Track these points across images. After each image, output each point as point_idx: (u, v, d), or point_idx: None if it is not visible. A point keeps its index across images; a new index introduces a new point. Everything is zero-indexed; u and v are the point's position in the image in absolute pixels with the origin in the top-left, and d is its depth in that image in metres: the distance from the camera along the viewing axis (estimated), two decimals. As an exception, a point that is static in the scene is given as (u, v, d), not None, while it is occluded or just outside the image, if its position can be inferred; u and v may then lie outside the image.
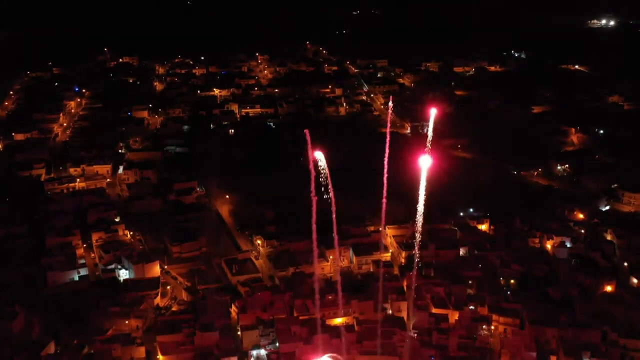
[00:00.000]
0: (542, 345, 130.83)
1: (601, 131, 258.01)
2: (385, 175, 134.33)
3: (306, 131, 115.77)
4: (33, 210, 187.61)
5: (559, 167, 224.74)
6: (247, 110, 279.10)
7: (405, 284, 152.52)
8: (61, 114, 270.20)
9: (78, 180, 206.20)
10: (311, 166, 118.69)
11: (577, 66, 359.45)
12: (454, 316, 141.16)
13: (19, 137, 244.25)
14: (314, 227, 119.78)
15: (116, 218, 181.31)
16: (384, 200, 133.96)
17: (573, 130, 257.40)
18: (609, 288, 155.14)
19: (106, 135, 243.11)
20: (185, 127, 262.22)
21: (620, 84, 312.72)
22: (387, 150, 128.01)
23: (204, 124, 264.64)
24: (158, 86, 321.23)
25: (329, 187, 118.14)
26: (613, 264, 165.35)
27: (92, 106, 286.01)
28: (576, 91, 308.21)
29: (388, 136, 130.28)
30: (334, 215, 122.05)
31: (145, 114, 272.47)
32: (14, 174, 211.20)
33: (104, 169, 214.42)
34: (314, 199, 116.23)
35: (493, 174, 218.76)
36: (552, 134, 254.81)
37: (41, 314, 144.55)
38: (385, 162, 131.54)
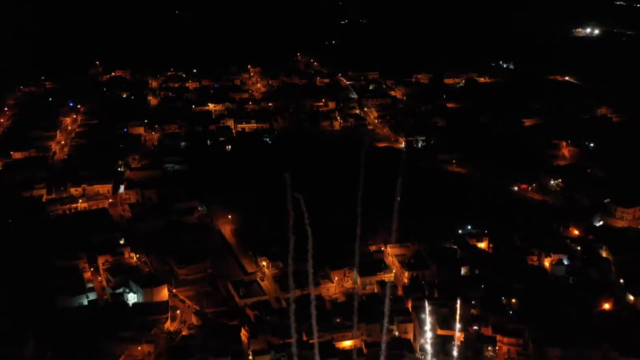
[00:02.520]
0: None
1: (591, 144, 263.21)
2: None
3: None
4: (36, 232, 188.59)
5: (552, 182, 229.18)
6: (242, 125, 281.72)
7: (410, 305, 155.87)
8: (58, 131, 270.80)
9: (80, 200, 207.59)
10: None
11: (566, 77, 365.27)
12: (460, 338, 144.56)
13: (17, 155, 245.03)
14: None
15: (121, 240, 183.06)
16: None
17: (564, 143, 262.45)
18: (606, 305, 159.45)
19: (104, 153, 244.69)
20: (183, 143, 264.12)
21: (608, 95, 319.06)
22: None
23: (201, 140, 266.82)
24: (152, 101, 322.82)
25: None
26: (609, 281, 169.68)
27: (88, 122, 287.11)
28: (565, 103, 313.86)
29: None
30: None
31: (141, 130, 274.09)
32: (14, 195, 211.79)
33: (104, 188, 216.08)
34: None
35: (488, 189, 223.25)
36: (544, 148, 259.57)
37: (52, 339, 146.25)
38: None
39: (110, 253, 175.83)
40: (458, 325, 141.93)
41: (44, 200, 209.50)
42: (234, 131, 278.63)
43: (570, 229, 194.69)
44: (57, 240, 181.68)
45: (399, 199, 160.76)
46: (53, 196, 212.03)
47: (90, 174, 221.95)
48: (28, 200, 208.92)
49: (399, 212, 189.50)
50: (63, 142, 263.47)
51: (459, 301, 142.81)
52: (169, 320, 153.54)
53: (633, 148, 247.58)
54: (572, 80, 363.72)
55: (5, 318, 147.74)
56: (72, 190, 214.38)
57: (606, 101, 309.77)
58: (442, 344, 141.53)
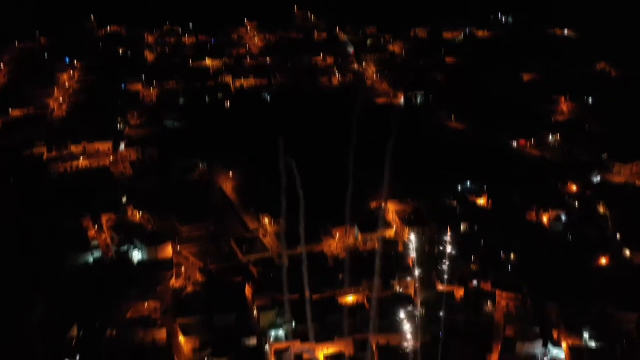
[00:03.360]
0: (544, 320, 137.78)
1: (590, 99, 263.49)
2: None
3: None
4: (38, 191, 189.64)
5: (550, 138, 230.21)
6: (241, 81, 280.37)
7: (410, 261, 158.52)
8: (55, 88, 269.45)
9: (81, 159, 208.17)
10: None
11: (565, 31, 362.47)
12: (459, 292, 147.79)
13: (16, 113, 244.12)
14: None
15: (123, 198, 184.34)
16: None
17: (563, 98, 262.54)
18: (603, 261, 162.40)
19: (103, 110, 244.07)
20: (181, 100, 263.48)
21: (607, 50, 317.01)
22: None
23: (200, 97, 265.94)
24: (149, 56, 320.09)
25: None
26: (606, 237, 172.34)
27: (86, 79, 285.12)
28: (564, 57, 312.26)
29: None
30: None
31: (139, 86, 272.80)
32: (15, 154, 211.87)
33: (105, 146, 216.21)
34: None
35: (487, 145, 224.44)
36: (543, 103, 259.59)
37: (59, 298, 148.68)
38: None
39: (113, 211, 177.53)
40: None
41: (44, 159, 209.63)
42: (232, 87, 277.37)
43: (569, 185, 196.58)
44: (60, 199, 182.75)
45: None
46: (54, 155, 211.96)
47: (90, 132, 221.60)
48: (29, 159, 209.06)
49: (397, 169, 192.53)
50: (61, 100, 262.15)
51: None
52: (174, 277, 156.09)
53: (632, 103, 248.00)
54: (571, 35, 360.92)
55: (12, 278, 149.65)
56: (73, 148, 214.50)
57: (605, 56, 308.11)
58: (443, 300, 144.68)
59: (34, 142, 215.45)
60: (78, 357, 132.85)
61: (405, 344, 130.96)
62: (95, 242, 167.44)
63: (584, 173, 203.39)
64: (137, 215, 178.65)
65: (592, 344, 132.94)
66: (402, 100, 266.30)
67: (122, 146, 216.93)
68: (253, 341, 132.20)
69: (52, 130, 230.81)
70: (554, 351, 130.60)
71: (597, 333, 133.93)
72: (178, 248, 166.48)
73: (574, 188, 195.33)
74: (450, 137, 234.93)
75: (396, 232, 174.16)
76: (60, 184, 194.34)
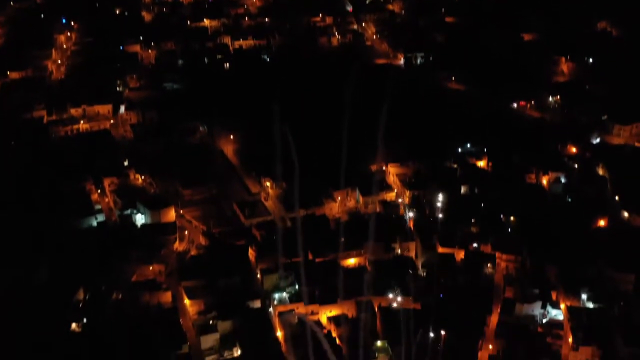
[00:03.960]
0: (543, 282, 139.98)
1: (591, 60, 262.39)
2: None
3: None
4: (40, 155, 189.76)
5: (550, 99, 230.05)
6: (239, 42, 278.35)
7: (412, 224, 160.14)
8: (53, 50, 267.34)
9: (81, 122, 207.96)
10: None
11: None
12: (460, 254, 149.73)
13: (14, 75, 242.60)
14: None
15: (125, 162, 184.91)
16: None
17: (563, 59, 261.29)
18: (602, 222, 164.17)
19: (102, 72, 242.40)
20: (180, 61, 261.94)
21: (607, 8, 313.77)
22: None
23: (198, 58, 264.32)
24: (146, 16, 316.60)
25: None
26: (605, 198, 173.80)
27: (83, 41, 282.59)
28: (565, 17, 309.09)
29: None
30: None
31: (137, 48, 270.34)
32: (15, 117, 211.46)
33: (104, 109, 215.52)
34: None
35: (487, 106, 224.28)
36: (543, 64, 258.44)
37: (65, 262, 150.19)
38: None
39: (115, 175, 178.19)
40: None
41: (44, 122, 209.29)
42: (231, 48, 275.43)
43: (568, 146, 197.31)
44: (62, 163, 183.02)
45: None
46: (54, 118, 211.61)
47: (89, 95, 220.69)
48: (29, 122, 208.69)
49: (398, 131, 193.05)
50: (59, 62, 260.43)
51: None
52: (177, 241, 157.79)
53: (632, 64, 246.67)
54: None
55: (16, 241, 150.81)
56: (72, 111, 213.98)
57: (606, 15, 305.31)
58: (443, 261, 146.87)
59: (34, 105, 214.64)
60: (84, 320, 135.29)
61: (406, 306, 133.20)
62: (98, 206, 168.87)
63: (583, 134, 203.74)
64: (139, 179, 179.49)
65: (590, 305, 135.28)
66: (402, 61, 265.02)
67: (122, 109, 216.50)
68: (257, 304, 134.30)
69: (51, 93, 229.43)
70: (553, 312, 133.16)
71: (595, 294, 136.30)
72: (181, 212, 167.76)
73: (574, 150, 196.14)
74: (450, 98, 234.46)
75: (397, 195, 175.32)
76: (61, 148, 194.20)
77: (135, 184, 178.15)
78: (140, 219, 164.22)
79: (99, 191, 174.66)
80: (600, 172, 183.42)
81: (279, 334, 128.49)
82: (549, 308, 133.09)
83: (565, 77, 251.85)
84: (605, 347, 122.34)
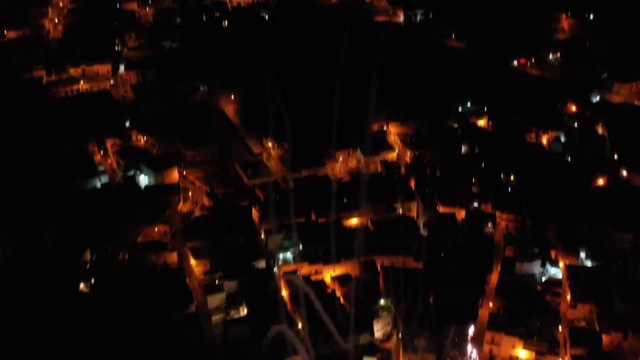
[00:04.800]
0: (542, 240, 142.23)
1: (591, 16, 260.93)
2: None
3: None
4: (41, 116, 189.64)
5: (551, 57, 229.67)
6: (238, 0, 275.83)
7: (413, 183, 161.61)
8: (49, 8, 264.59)
9: (81, 82, 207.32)
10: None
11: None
12: (460, 214, 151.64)
13: (11, 34, 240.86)
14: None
15: (126, 122, 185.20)
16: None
17: (564, 15, 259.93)
18: (601, 181, 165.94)
19: (99, 31, 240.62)
20: (178, 19, 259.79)
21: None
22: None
23: (196, 16, 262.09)
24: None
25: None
26: (604, 157, 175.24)
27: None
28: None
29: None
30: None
31: (134, 5, 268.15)
32: (14, 77, 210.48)
33: (104, 68, 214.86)
34: None
35: (487, 64, 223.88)
36: (543, 20, 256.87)
37: (70, 223, 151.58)
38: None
39: (117, 136, 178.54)
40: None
41: (44, 82, 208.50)
42: (229, 5, 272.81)
43: (568, 105, 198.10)
44: (63, 124, 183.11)
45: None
46: (53, 78, 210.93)
47: (87, 54, 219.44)
48: (28, 82, 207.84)
49: (398, 90, 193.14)
50: (56, 20, 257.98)
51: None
52: (181, 202, 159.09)
53: (633, 21, 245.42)
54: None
55: (22, 204, 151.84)
56: (72, 71, 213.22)
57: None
58: (444, 221, 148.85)
59: (32, 65, 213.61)
60: (92, 280, 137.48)
61: (408, 265, 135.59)
62: (101, 167, 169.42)
63: (583, 93, 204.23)
64: (141, 140, 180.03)
65: (589, 263, 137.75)
66: (401, 18, 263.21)
67: (122, 68, 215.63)
68: (262, 264, 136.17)
69: (49, 52, 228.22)
70: (552, 270, 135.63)
71: (593, 253, 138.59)
72: (184, 172, 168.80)
73: (573, 108, 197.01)
74: (450, 56, 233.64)
75: (398, 155, 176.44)
76: (62, 108, 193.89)
77: (138, 145, 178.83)
78: (143, 180, 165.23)
79: (101, 152, 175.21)
80: (600, 130, 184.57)
81: (284, 293, 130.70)
82: (548, 266, 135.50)
83: (566, 34, 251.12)
84: (603, 304, 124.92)
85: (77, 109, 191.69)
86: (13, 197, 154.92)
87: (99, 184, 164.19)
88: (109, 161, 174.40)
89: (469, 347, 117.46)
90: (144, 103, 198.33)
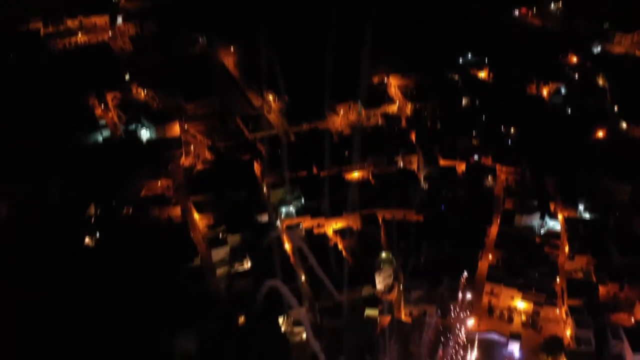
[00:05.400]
0: (542, 193, 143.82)
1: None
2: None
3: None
4: (40, 69, 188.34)
5: (552, 6, 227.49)
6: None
7: (414, 136, 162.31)
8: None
9: (79, 34, 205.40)
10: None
11: None
12: (461, 167, 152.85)
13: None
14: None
15: (126, 75, 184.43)
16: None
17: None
18: (600, 133, 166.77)
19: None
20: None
21: None
22: None
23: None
24: None
25: None
26: (604, 109, 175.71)
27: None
28: None
29: None
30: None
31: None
32: (11, 29, 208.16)
33: (102, 20, 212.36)
34: None
35: (487, 13, 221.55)
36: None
37: (74, 177, 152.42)
38: None
39: (117, 89, 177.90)
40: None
41: (41, 34, 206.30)
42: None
43: (569, 56, 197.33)
44: (62, 77, 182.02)
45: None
46: (50, 30, 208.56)
47: (84, 5, 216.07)
48: (25, 34, 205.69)
49: (398, 41, 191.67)
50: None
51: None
52: (183, 156, 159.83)
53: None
54: None
55: (24, 159, 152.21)
56: (69, 23, 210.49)
57: None
58: (445, 174, 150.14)
59: (29, 17, 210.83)
60: (97, 235, 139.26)
61: (409, 218, 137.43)
62: (102, 121, 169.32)
63: (584, 43, 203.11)
64: (142, 93, 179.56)
65: (587, 216, 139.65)
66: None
67: (119, 20, 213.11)
68: (265, 217, 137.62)
69: (45, 4, 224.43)
70: (551, 223, 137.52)
71: (591, 205, 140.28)
72: (185, 126, 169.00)
73: (574, 59, 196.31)
74: (450, 6, 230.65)
75: (399, 108, 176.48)
76: (60, 61, 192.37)
77: (138, 98, 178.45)
78: (145, 134, 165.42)
79: (102, 106, 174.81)
80: (600, 82, 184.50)
81: (287, 246, 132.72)
82: (547, 219, 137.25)
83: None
84: (600, 256, 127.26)
85: (75, 62, 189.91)
86: (15, 152, 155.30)
87: (100, 138, 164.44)
88: (110, 115, 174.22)
89: (468, 298, 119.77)
90: (143, 55, 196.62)
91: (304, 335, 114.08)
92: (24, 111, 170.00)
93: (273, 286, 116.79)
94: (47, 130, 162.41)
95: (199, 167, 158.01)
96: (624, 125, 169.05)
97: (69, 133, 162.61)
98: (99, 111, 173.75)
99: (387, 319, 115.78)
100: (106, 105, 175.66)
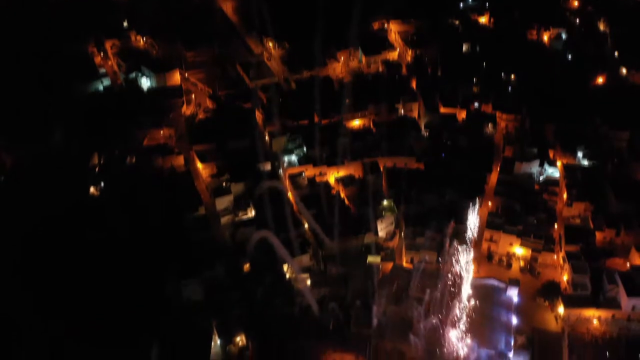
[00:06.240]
0: (541, 140, 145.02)
1: None
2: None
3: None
4: (37, 16, 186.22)
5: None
6: None
7: (414, 83, 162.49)
8: None
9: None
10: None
11: None
12: (461, 114, 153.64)
13: None
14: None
15: (124, 22, 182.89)
16: None
17: None
18: (600, 80, 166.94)
19: None
20: None
21: None
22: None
23: None
24: None
25: None
26: (605, 54, 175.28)
27: None
28: None
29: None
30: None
31: None
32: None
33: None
34: None
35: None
36: None
37: (77, 127, 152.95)
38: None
39: (116, 37, 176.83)
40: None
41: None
42: None
43: (570, 0, 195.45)
44: (60, 24, 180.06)
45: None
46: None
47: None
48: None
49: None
50: None
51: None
52: (184, 105, 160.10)
53: None
54: None
55: (27, 111, 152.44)
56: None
57: None
58: (445, 121, 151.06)
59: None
60: (102, 184, 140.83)
61: (410, 166, 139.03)
62: (102, 70, 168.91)
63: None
64: (141, 41, 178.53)
65: (585, 162, 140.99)
66: None
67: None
68: (267, 166, 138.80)
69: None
70: (550, 170, 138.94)
71: (590, 152, 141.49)
72: (185, 74, 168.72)
73: (575, 3, 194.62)
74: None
75: (399, 54, 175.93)
76: (58, 8, 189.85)
77: (137, 46, 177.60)
78: (145, 83, 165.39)
79: (101, 54, 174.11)
80: (601, 27, 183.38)
81: (290, 194, 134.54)
82: (546, 166, 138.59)
83: None
84: (598, 203, 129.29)
85: (73, 9, 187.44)
86: (17, 103, 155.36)
87: (101, 87, 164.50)
88: (110, 63, 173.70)
89: (468, 244, 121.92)
90: (141, 2, 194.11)
91: (308, 282, 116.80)
92: (23, 60, 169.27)
93: (264, 236, 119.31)
94: (47, 79, 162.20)
95: (201, 115, 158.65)
96: (624, 71, 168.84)
97: (69, 81, 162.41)
98: (98, 59, 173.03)
99: (389, 265, 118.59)
100: (105, 53, 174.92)
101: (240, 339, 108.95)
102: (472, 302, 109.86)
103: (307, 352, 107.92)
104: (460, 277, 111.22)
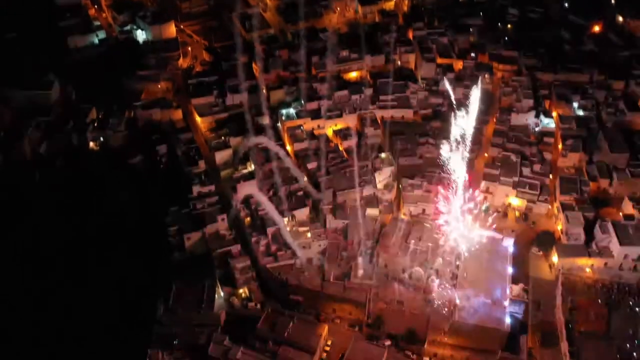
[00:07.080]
0: (537, 92, 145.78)
1: None
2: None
3: None
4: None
5: None
6: None
7: (411, 34, 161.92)
8: None
9: None
10: None
11: None
12: (458, 65, 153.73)
13: None
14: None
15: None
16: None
17: None
18: (596, 28, 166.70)
19: None
20: None
21: None
22: None
23: None
24: None
25: None
26: (601, 2, 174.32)
27: None
28: None
29: None
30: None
31: None
32: None
33: None
34: None
35: None
36: None
37: (74, 80, 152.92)
38: None
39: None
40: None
41: None
42: None
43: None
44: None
45: None
46: None
47: None
48: None
49: None
50: None
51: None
52: (181, 57, 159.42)
53: None
54: None
55: (26, 65, 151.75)
56: None
57: None
58: (442, 73, 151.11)
59: None
60: (101, 139, 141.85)
61: (407, 118, 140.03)
62: (97, 22, 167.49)
63: None
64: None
65: (580, 113, 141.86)
66: None
67: None
68: (265, 120, 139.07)
69: None
70: (545, 121, 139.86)
71: (585, 102, 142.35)
72: (181, 26, 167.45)
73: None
74: None
75: (395, 4, 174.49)
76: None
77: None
78: (141, 35, 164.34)
79: (95, 7, 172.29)
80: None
81: (289, 148, 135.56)
82: (542, 117, 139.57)
83: None
84: (592, 153, 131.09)
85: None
86: (12, 56, 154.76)
87: (96, 40, 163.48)
88: (104, 15, 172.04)
89: (465, 194, 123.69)
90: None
91: (309, 234, 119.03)
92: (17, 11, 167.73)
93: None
94: (43, 31, 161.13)
95: (198, 68, 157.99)
96: (620, 19, 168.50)
97: (63, 34, 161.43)
98: (92, 12, 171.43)
99: (387, 217, 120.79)
100: (99, 5, 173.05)
101: (243, 291, 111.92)
102: (469, 253, 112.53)
103: (308, 303, 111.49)
104: (457, 228, 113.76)
